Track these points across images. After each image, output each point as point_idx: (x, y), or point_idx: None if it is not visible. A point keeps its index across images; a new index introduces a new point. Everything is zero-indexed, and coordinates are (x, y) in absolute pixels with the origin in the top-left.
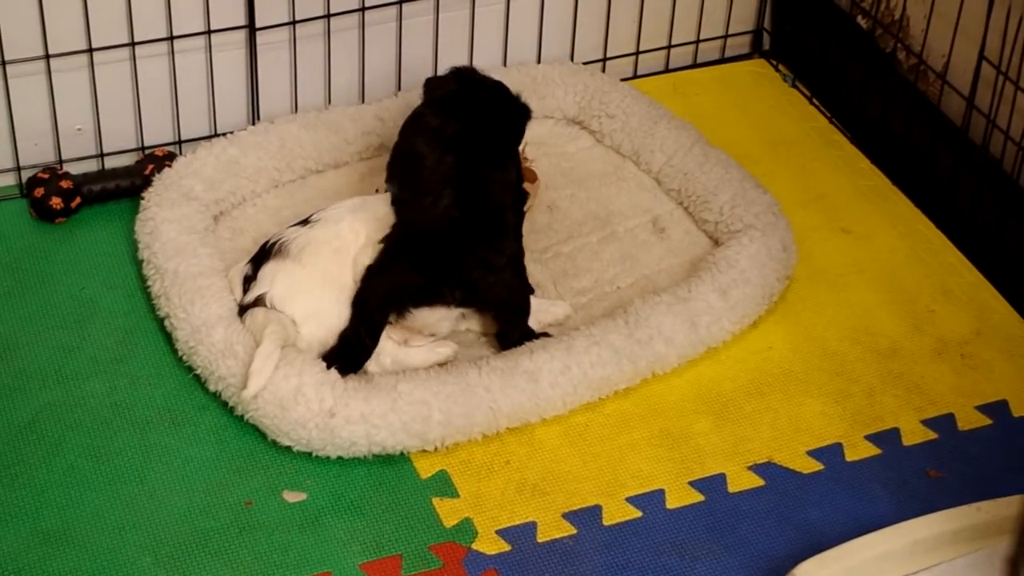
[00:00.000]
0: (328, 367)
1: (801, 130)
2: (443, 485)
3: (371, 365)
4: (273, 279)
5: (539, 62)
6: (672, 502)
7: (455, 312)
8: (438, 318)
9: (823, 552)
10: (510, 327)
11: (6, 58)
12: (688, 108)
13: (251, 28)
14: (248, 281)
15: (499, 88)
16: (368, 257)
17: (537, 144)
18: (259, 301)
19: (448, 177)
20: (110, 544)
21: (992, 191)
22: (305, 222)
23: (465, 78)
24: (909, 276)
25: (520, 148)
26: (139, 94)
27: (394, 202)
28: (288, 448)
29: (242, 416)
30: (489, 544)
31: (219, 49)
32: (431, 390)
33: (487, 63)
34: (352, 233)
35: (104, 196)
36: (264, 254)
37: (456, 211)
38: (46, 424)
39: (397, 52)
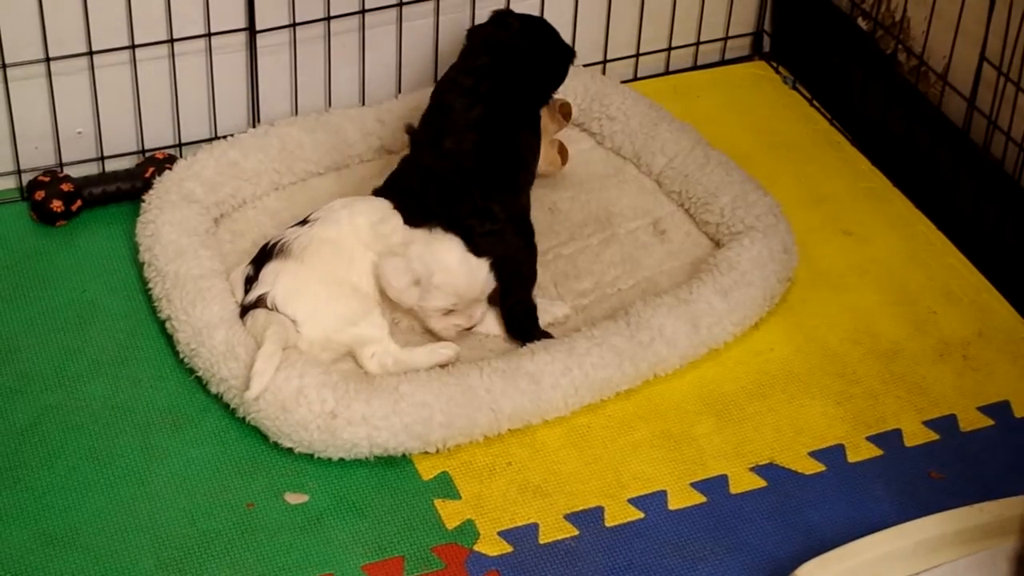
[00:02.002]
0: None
1: (802, 132)
2: (445, 487)
3: (372, 366)
4: (276, 279)
5: None
6: (674, 503)
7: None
8: (445, 325)
9: (825, 553)
10: (509, 292)
11: (7, 61)
12: (689, 110)
13: (251, 31)
14: (250, 282)
15: (539, 36)
16: (377, 253)
17: None
18: (260, 301)
19: (473, 124)
20: (112, 546)
21: (993, 192)
22: (303, 222)
23: (504, 30)
24: (910, 277)
25: (556, 102)
26: (139, 97)
27: (411, 143)
28: (290, 450)
29: (244, 418)
30: (491, 545)
31: (219, 52)
32: (432, 392)
33: None
34: (352, 228)
35: (105, 199)
36: (265, 254)
37: (469, 161)
38: (48, 426)
39: (397, 54)
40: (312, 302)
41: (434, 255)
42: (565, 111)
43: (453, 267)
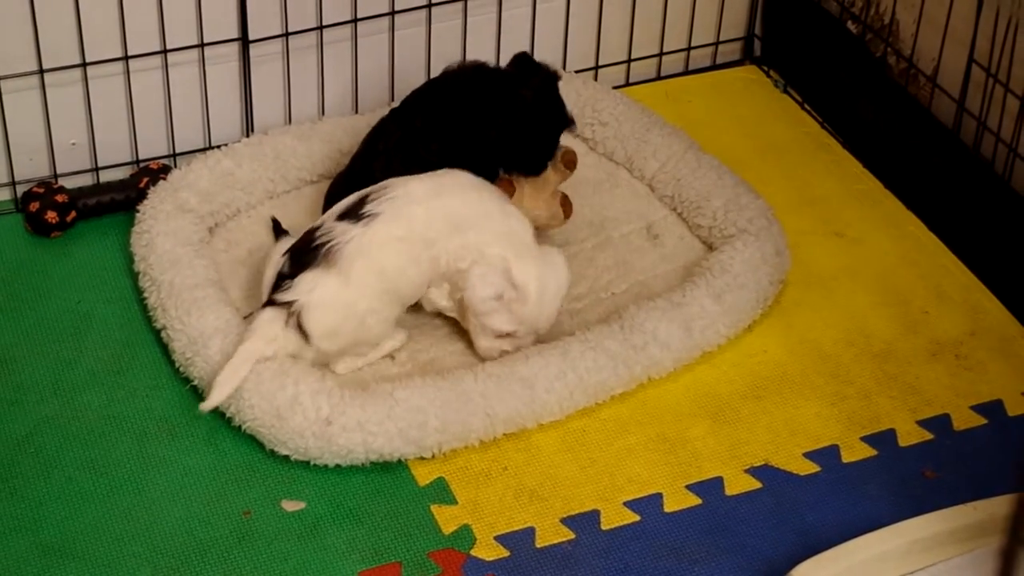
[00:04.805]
0: None
1: (793, 135)
2: (441, 492)
3: (341, 368)
4: (312, 291)
5: None
6: (670, 506)
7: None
8: (491, 345)
9: (820, 553)
10: None
11: (0, 73)
12: (680, 115)
13: (244, 40)
14: (282, 278)
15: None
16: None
17: None
18: (287, 305)
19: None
20: (109, 556)
21: (983, 192)
22: (360, 205)
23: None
24: (902, 278)
25: (560, 150)
26: (133, 108)
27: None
28: (286, 457)
29: (240, 426)
30: (488, 550)
31: (212, 62)
32: (427, 397)
33: None
34: (425, 226)
35: (99, 210)
36: (308, 252)
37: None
38: (44, 437)
39: (390, 63)
40: (342, 325)
41: (523, 278)
42: (568, 159)
43: (531, 297)
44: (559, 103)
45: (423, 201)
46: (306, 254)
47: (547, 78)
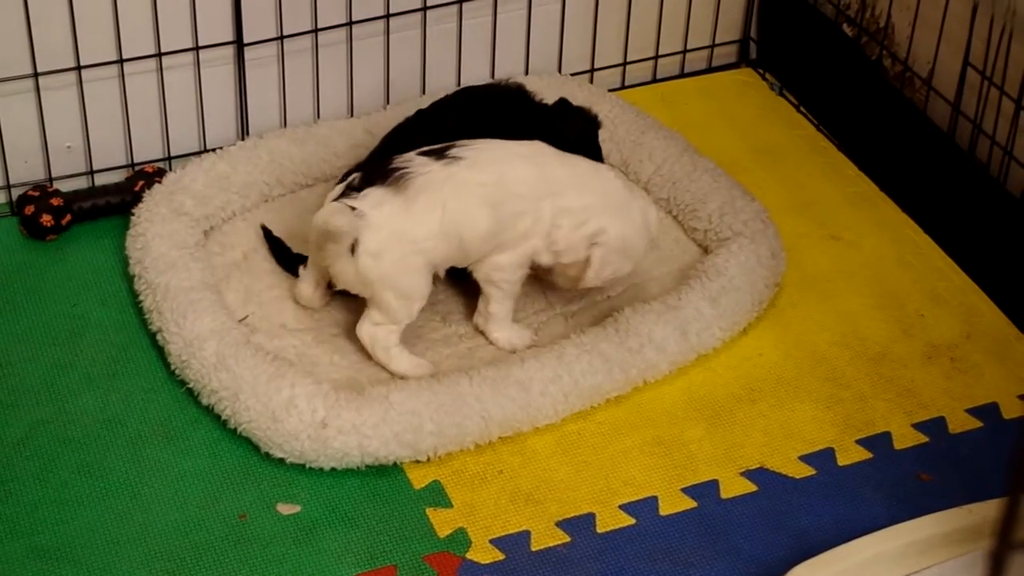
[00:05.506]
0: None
1: (789, 138)
2: (436, 495)
3: (365, 332)
4: (375, 207)
5: (527, 74)
6: (665, 509)
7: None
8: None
9: (816, 556)
10: None
11: None
12: (676, 118)
13: (239, 44)
14: (350, 187)
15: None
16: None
17: None
18: (352, 209)
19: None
20: (105, 559)
21: (979, 195)
22: (446, 148)
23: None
24: (898, 281)
25: None
26: (128, 111)
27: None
28: (281, 460)
29: (235, 429)
30: (483, 553)
31: (207, 65)
32: (423, 400)
33: (475, 76)
34: (516, 181)
35: (95, 213)
36: (382, 173)
37: None
38: (39, 440)
39: (385, 66)
40: (390, 248)
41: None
42: None
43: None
44: (597, 148)
45: (517, 157)
46: (379, 174)
47: (590, 121)
